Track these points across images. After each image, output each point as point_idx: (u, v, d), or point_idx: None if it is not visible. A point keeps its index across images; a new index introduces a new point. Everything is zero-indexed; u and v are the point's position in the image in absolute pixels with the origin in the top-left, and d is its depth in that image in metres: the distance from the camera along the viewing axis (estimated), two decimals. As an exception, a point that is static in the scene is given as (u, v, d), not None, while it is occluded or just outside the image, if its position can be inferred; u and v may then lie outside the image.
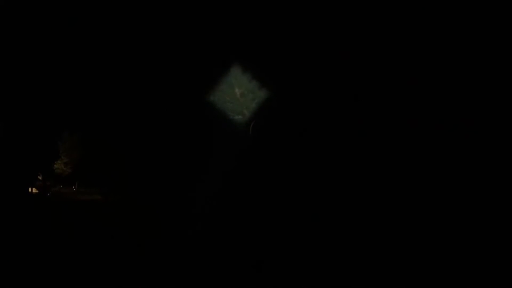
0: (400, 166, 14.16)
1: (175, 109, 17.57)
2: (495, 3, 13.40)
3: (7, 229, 12.39)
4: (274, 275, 8.18)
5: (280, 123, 15.67)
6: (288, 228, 12.59)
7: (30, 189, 20.23)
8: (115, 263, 8.97)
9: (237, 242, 10.99)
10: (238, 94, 16.63)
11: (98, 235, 11.95)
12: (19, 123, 19.24)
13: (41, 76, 19.12)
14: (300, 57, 15.23)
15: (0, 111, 18.55)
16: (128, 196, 18.75)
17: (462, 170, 13.55)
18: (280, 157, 15.41)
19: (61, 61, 19.09)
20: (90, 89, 19.65)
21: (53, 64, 19.09)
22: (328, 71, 14.88)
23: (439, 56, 14.20)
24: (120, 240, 11.23)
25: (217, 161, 15.91)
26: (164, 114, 17.85)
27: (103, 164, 20.63)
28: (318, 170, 14.84)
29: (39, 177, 21.09)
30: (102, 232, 12.35)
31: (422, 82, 14.32)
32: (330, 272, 8.45)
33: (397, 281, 7.74)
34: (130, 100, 18.52)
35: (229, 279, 7.93)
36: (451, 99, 14.03)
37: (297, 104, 15.31)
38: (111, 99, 19.23)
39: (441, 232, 11.30)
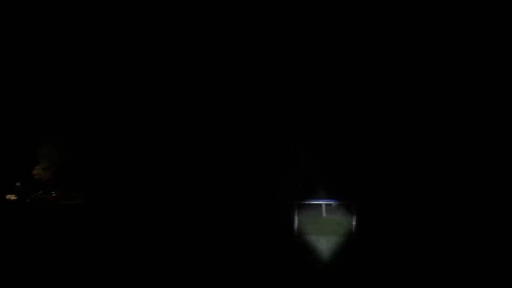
0: (400, 166, 14.34)
1: (163, 110, 17.58)
2: (495, 3, 13.53)
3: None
4: (273, 275, 8.37)
5: (272, 124, 15.87)
6: (283, 228, 12.78)
7: (8, 196, 19.81)
8: (108, 264, 9.02)
9: (231, 243, 11.12)
10: (229, 94, 16.81)
11: (83, 238, 11.93)
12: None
13: (21, 78, 18.74)
14: (293, 58, 15.45)
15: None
16: (111, 200, 18.61)
17: (462, 170, 13.76)
18: (272, 158, 15.63)
19: (41, 62, 18.76)
20: (70, 92, 19.37)
21: (34, 66, 18.73)
22: (322, 71, 15.13)
23: (439, 56, 14.36)
24: (108, 243, 11.24)
25: (208, 162, 16.02)
26: (151, 115, 17.81)
27: (84, 168, 20.38)
28: (313, 171, 15.10)
29: (18, 184, 20.64)
30: (88, 236, 12.32)
31: (422, 82, 14.50)
32: (330, 271, 8.68)
33: (397, 281, 8.00)
34: (114, 102, 18.40)
35: (228, 279, 8.09)
36: (451, 99, 14.24)
37: (291, 104, 15.55)
38: (93, 102, 19.03)
39: (441, 232, 11.57)
